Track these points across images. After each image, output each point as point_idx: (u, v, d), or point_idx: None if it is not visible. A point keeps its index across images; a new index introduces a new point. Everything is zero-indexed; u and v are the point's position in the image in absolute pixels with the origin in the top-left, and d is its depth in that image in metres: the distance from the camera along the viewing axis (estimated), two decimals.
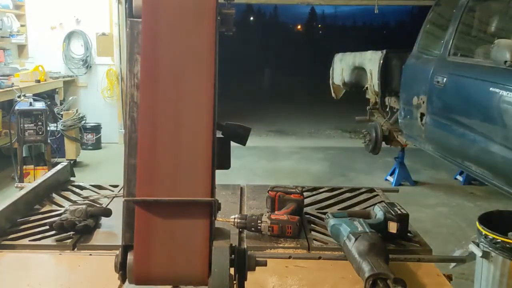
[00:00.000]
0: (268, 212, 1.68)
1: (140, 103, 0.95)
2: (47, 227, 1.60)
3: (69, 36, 7.98)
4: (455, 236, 4.43)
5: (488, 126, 3.65)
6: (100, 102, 8.08)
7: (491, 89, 3.59)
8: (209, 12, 0.95)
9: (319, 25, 52.48)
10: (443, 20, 5.02)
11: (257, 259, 1.00)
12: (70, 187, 2.11)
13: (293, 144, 8.41)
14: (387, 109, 6.05)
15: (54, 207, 1.86)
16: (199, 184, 0.93)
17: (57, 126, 6.48)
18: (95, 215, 1.65)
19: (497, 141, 3.55)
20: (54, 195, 1.98)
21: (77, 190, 2.07)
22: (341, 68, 6.92)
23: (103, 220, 1.68)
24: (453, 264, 2.47)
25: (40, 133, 5.44)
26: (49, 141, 5.70)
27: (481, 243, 2.47)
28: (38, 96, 6.20)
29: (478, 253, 2.48)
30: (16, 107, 5.52)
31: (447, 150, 4.43)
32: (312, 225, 1.72)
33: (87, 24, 7.96)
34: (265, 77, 17.32)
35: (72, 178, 2.23)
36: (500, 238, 2.38)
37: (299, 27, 51.97)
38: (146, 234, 0.93)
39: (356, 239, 1.36)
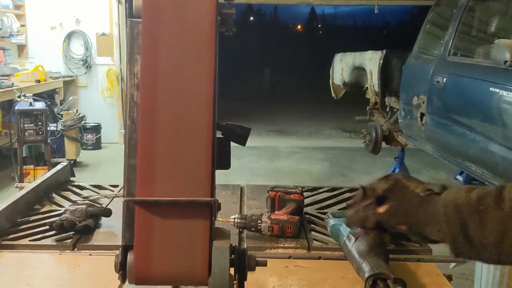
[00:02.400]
0: (268, 212, 1.68)
1: (140, 103, 0.94)
2: (47, 227, 1.60)
3: (69, 36, 7.99)
4: None
5: (488, 126, 3.65)
6: (100, 102, 8.09)
7: (491, 89, 3.59)
8: (209, 12, 0.95)
9: (319, 25, 52.45)
10: (443, 20, 5.03)
11: (257, 259, 1.00)
12: (70, 187, 2.10)
13: (293, 144, 8.42)
14: (387, 109, 6.06)
15: (54, 207, 1.86)
16: (199, 184, 0.93)
17: (57, 126, 6.49)
18: (95, 215, 1.65)
19: (497, 141, 3.55)
20: (54, 195, 1.98)
21: (77, 190, 2.07)
22: (341, 68, 6.92)
23: (103, 220, 1.68)
24: (453, 264, 2.47)
25: (40, 133, 5.44)
26: (49, 141, 5.71)
27: None
28: (38, 96, 6.21)
29: None
30: (16, 107, 5.53)
31: (447, 150, 4.43)
32: (312, 225, 1.72)
33: (87, 24, 7.96)
34: (265, 77, 17.31)
35: (72, 178, 2.23)
36: None
37: (299, 27, 51.94)
38: (146, 234, 0.93)
39: (356, 239, 1.36)
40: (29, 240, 1.54)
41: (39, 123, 5.43)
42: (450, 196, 0.94)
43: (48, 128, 5.66)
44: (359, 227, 1.09)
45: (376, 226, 1.03)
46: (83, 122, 7.06)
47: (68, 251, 1.49)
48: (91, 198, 1.96)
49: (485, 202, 0.89)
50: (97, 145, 7.70)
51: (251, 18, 45.47)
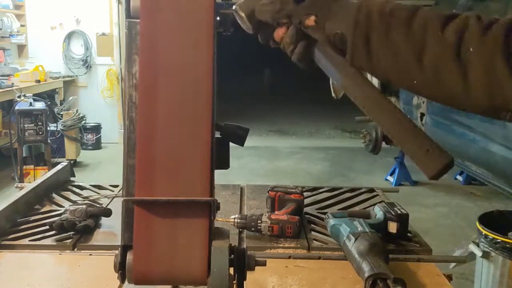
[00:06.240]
0: (268, 212, 1.68)
1: (138, 103, 0.95)
2: (47, 227, 1.60)
3: (69, 36, 7.99)
4: (455, 236, 4.43)
5: (488, 126, 3.65)
6: (100, 102, 8.09)
7: None
8: (207, 12, 0.96)
9: None
10: None
11: (256, 259, 1.00)
12: (70, 187, 2.11)
13: (293, 144, 8.42)
14: None
15: (54, 207, 1.86)
16: (198, 184, 0.93)
17: (57, 126, 6.49)
18: (95, 215, 1.65)
19: (497, 141, 3.55)
20: (54, 195, 1.98)
21: (77, 190, 2.07)
22: None
23: (103, 220, 1.68)
24: (453, 264, 2.47)
25: (40, 133, 5.44)
26: (49, 141, 5.71)
27: (481, 243, 2.48)
28: (38, 96, 6.21)
29: (478, 253, 2.49)
30: (16, 107, 5.53)
31: (447, 150, 4.43)
32: (312, 225, 1.72)
33: (87, 24, 7.96)
34: (265, 77, 17.30)
35: (72, 178, 2.23)
36: (500, 238, 2.38)
37: None
38: (145, 234, 0.93)
39: (356, 239, 1.36)
40: (29, 240, 1.54)
41: (39, 123, 5.44)
42: (368, 1, 0.88)
43: (48, 128, 5.66)
44: (269, 20, 0.97)
45: (287, 21, 0.95)
46: (83, 122, 7.07)
47: (68, 251, 1.49)
48: (91, 198, 1.96)
49: (396, 14, 0.84)
50: (97, 145, 7.70)
51: None
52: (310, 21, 0.92)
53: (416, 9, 0.85)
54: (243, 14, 0.99)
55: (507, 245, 2.35)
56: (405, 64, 0.83)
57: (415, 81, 0.84)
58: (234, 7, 1.01)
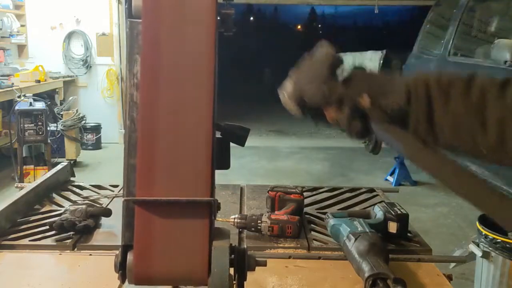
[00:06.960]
0: (268, 212, 1.69)
1: (139, 103, 0.95)
2: (47, 227, 1.60)
3: (69, 36, 7.98)
4: (455, 236, 4.43)
5: None
6: (100, 102, 8.09)
7: None
8: (209, 12, 0.96)
9: (319, 25, 52.41)
10: (443, 20, 5.03)
11: (256, 259, 1.00)
12: (70, 187, 2.11)
13: (293, 144, 8.42)
14: None
15: (54, 207, 1.86)
16: (199, 184, 0.93)
17: (57, 126, 6.49)
18: (95, 215, 1.65)
19: None
20: (54, 195, 1.98)
21: (77, 190, 2.07)
22: None
23: (103, 220, 1.68)
24: (453, 264, 2.48)
25: (40, 133, 5.44)
26: (49, 141, 5.71)
27: (481, 243, 2.48)
28: (38, 96, 6.21)
29: (478, 253, 2.49)
30: (16, 107, 5.53)
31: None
32: (312, 225, 1.72)
33: (87, 24, 7.96)
34: (265, 77, 17.30)
35: (72, 178, 2.23)
36: (500, 238, 2.38)
37: (299, 27, 51.93)
38: (145, 233, 0.93)
39: (356, 239, 1.36)
40: (29, 240, 1.54)
41: (39, 123, 5.44)
42: (420, 75, 0.91)
43: (48, 128, 5.66)
44: (321, 103, 0.99)
45: (338, 102, 0.96)
46: (83, 122, 7.06)
47: (68, 251, 1.49)
48: (91, 198, 1.96)
49: (454, 86, 0.86)
50: (97, 145, 7.70)
51: (251, 18, 45.47)
52: (365, 101, 0.94)
53: (472, 77, 0.87)
54: (291, 101, 1.02)
55: (507, 245, 2.35)
56: (469, 132, 0.85)
57: (481, 148, 0.85)
58: (280, 93, 1.03)
